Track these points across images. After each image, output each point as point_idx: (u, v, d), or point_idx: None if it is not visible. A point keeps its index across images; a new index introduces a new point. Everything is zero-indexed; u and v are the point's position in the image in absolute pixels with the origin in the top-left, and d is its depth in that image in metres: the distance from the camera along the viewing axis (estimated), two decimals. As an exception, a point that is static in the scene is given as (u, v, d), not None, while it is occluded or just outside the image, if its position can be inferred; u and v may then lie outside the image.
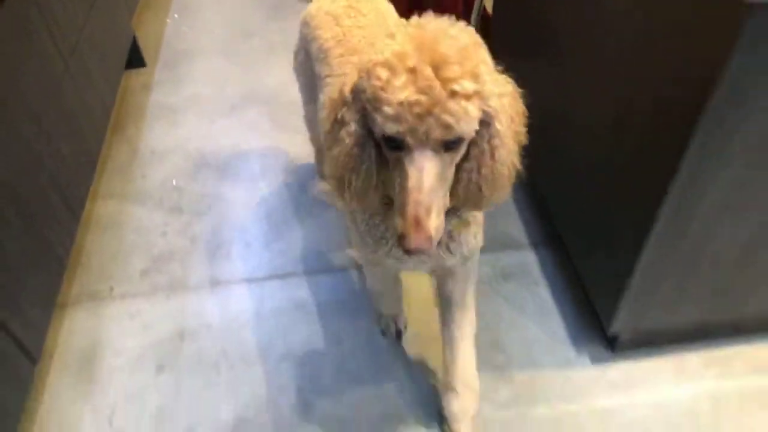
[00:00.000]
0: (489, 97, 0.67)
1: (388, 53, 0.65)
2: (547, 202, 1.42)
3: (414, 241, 0.67)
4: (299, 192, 1.61)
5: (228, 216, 1.56)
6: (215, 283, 1.40)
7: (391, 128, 0.65)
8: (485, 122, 0.68)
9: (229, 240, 1.50)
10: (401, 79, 0.63)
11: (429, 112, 0.63)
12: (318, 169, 1.62)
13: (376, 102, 0.65)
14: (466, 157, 0.72)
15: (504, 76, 0.72)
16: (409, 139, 0.65)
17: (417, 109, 0.63)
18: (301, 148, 1.72)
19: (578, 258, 1.27)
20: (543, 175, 1.39)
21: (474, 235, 0.91)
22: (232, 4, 2.43)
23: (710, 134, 0.82)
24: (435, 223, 0.67)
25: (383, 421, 1.14)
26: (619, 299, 1.06)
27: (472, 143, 0.71)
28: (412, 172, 0.67)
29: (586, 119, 1.15)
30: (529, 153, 0.78)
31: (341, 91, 0.73)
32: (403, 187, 0.67)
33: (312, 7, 1.14)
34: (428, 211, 0.67)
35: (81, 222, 1.44)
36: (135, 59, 2.06)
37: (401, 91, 0.63)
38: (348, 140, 0.72)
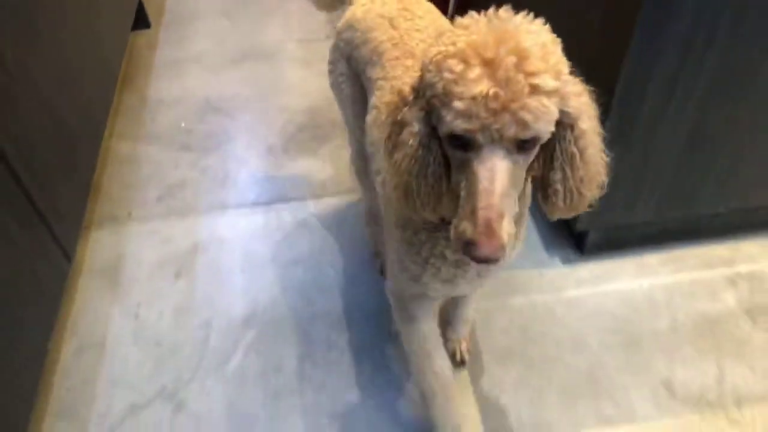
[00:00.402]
0: (569, 96, 0.63)
1: (462, 43, 0.60)
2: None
3: (486, 248, 0.61)
4: (297, 130, 1.75)
5: (234, 152, 1.70)
6: (225, 206, 1.54)
7: (461, 125, 0.60)
8: (566, 123, 0.65)
9: (235, 171, 1.64)
10: (476, 71, 0.58)
11: (505, 108, 0.58)
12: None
13: (446, 97, 0.60)
14: (551, 165, 0.68)
15: (579, 79, 0.68)
16: (480, 138, 0.60)
17: (493, 104, 0.58)
18: (297, 96, 1.86)
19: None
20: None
21: (522, 240, 0.87)
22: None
23: (645, 36, 0.97)
24: (508, 229, 0.62)
25: (378, 314, 1.29)
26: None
27: (556, 148, 0.67)
28: (483, 173, 0.62)
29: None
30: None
31: (400, 91, 0.69)
32: (473, 191, 0.62)
33: (357, 11, 1.07)
34: (501, 217, 0.61)
35: (99, 156, 1.58)
36: (141, 21, 2.19)
37: (476, 84, 0.58)
38: (412, 141, 0.67)
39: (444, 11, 1.99)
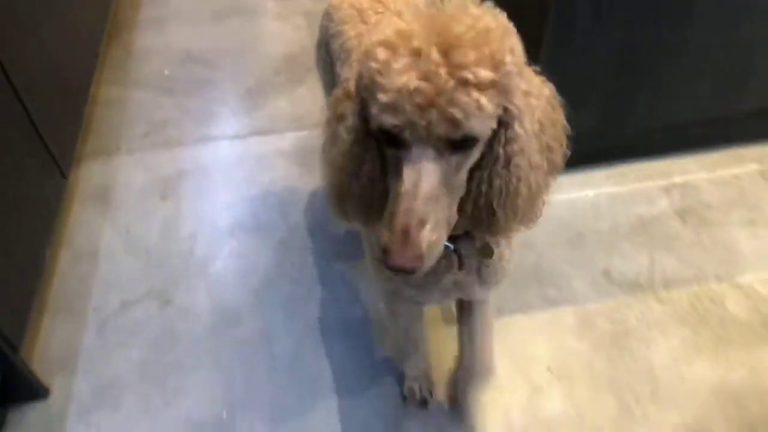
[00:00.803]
0: (512, 91, 0.56)
1: (390, 31, 0.54)
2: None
3: (398, 257, 0.55)
4: (274, 74, 1.87)
5: (214, 94, 1.81)
6: (206, 139, 1.66)
7: (387, 120, 0.54)
8: (505, 122, 0.57)
9: (216, 110, 1.75)
10: (402, 62, 0.52)
11: (432, 104, 0.52)
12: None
13: (372, 87, 0.55)
14: (478, 165, 0.60)
15: (541, 78, 0.62)
16: (408, 135, 0.54)
17: (418, 99, 0.52)
18: (273, 46, 1.98)
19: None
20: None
21: (507, 262, 0.81)
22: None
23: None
24: (429, 237, 0.55)
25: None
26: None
27: (488, 147, 0.59)
28: (408, 175, 0.56)
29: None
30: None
31: (345, 87, 0.63)
32: (396, 193, 0.56)
33: (334, 3, 1.02)
34: (421, 223, 0.55)
35: (90, 97, 1.69)
36: (124, -17, 2.30)
37: (400, 76, 0.52)
38: (346, 137, 0.62)
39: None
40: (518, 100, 0.57)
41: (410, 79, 0.52)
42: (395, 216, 0.56)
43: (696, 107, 1.42)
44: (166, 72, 1.90)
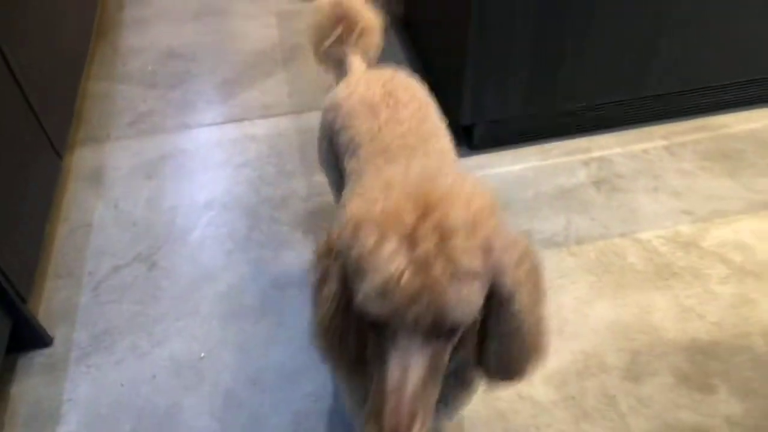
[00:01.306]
0: (504, 270, 0.56)
1: (379, 209, 0.53)
2: (417, 41, 1.93)
3: None
4: (247, 67, 2.08)
5: (194, 87, 2.02)
6: (187, 126, 1.87)
7: (373, 309, 0.52)
8: (500, 298, 0.58)
9: (195, 101, 1.96)
10: (391, 247, 0.50)
11: (422, 294, 0.50)
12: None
13: (358, 271, 0.53)
14: (486, 335, 0.61)
15: (516, 234, 0.60)
16: (394, 324, 0.53)
17: (408, 289, 0.50)
18: (248, 42, 2.19)
19: (440, 88, 1.77)
20: (414, 22, 1.91)
21: (473, 392, 0.79)
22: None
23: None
24: (419, 429, 0.54)
25: (314, 197, 1.63)
26: (462, 95, 1.57)
27: (490, 321, 0.60)
28: (394, 369, 0.54)
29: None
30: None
31: (330, 237, 0.60)
32: (381, 386, 0.54)
33: (342, 92, 1.01)
34: (411, 418, 0.53)
35: (80, 91, 1.88)
36: (110, -14, 2.49)
37: (388, 263, 0.50)
38: (330, 304, 0.60)
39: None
40: (510, 277, 0.57)
41: (400, 268, 0.50)
42: (383, 415, 0.53)
43: (608, 91, 1.65)
44: (150, 67, 2.10)
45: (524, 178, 1.65)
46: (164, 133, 1.84)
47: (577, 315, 1.36)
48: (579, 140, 1.74)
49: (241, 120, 1.88)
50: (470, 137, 1.72)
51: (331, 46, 1.15)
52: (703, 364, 1.25)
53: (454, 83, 1.62)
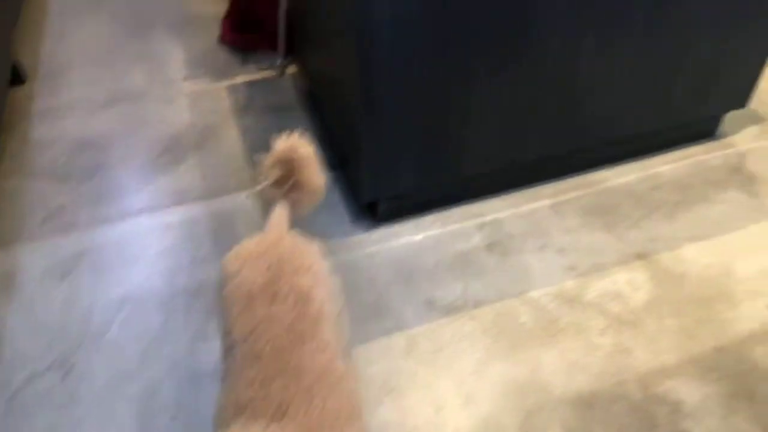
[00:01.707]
0: None
1: None
2: (321, 116, 2.05)
3: None
4: (162, 153, 2.14)
5: (105, 178, 2.06)
6: (100, 220, 1.90)
7: None
8: None
9: (108, 192, 2.00)
10: None
11: None
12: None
13: None
14: None
15: None
16: None
17: None
18: (161, 128, 2.25)
19: (343, 165, 1.89)
20: (318, 97, 2.03)
21: None
22: (98, 23, 2.91)
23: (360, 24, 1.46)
24: None
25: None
26: (360, 174, 1.69)
27: None
28: None
29: (331, 69, 1.79)
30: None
31: None
32: None
33: (230, 266, 1.01)
34: None
35: (-12, 193, 1.90)
36: (16, 78, 2.50)
37: None
38: None
39: (273, 47, 2.46)
40: None
41: None
42: None
43: (495, 158, 1.81)
44: (61, 160, 2.13)
45: (426, 247, 1.77)
46: (77, 229, 1.88)
47: (476, 378, 1.47)
48: (474, 205, 1.89)
49: (154, 209, 1.94)
50: (374, 211, 1.84)
51: (268, 188, 1.17)
52: (586, 415, 1.38)
53: (353, 162, 1.74)
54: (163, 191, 2.00)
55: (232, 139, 2.19)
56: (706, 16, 1.68)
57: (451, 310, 1.61)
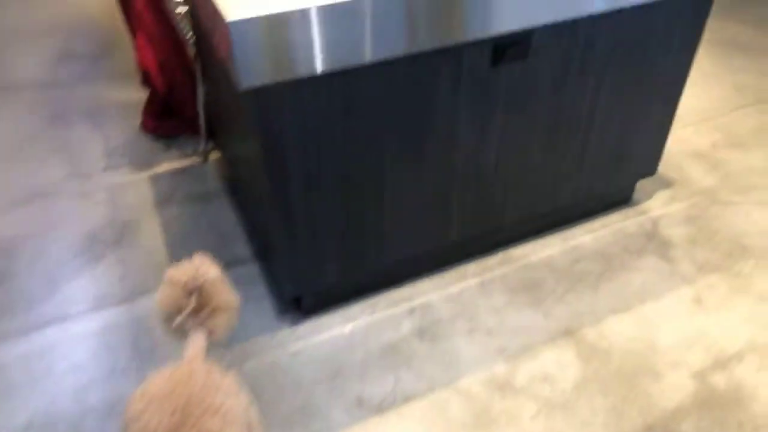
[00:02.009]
0: None
1: None
2: (243, 209, 2.02)
3: None
4: (76, 254, 2.05)
5: (13, 288, 1.94)
6: (4, 336, 1.78)
7: None
8: None
9: (15, 304, 1.88)
10: None
11: None
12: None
13: None
14: None
15: None
16: None
17: None
18: (77, 222, 2.16)
19: (265, 259, 1.85)
20: (240, 192, 2.00)
21: None
22: (13, 114, 2.82)
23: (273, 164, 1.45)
24: None
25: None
26: (282, 270, 1.65)
27: None
28: None
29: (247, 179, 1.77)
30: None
31: None
32: None
33: (135, 404, 0.98)
34: None
35: None
36: None
37: None
38: None
39: (195, 132, 2.44)
40: None
41: None
42: None
43: (417, 244, 1.81)
44: (-34, 269, 2.00)
45: (354, 340, 1.73)
46: (-21, 348, 1.75)
47: (410, 480, 1.42)
48: (402, 290, 1.87)
49: (66, 318, 1.83)
50: (299, 306, 1.79)
51: (183, 320, 1.11)
52: None
53: (273, 258, 1.70)
54: (76, 297, 1.90)
55: (153, 233, 2.12)
56: (609, 96, 1.77)
57: (382, 407, 1.56)
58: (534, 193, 1.88)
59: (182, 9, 2.03)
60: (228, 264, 1.98)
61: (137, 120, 2.67)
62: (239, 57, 1.22)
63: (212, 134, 2.40)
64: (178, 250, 2.04)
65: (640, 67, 1.75)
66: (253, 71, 1.25)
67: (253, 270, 1.96)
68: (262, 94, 1.31)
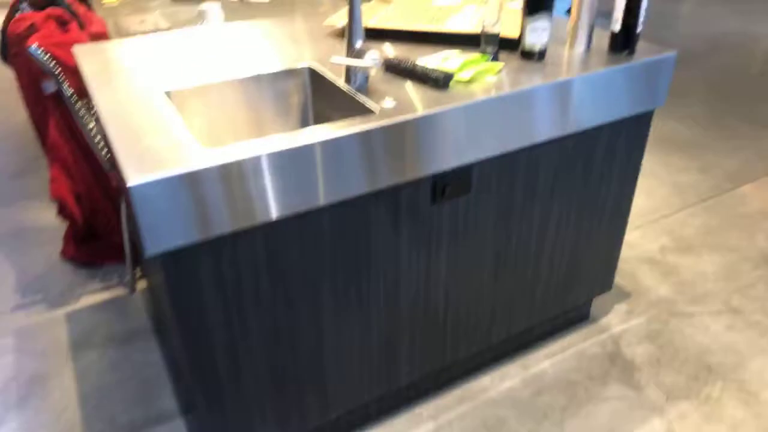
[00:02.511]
0: None
1: None
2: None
3: None
4: None
5: None
6: None
7: None
8: None
9: None
10: None
11: None
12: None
13: None
14: None
15: None
16: None
17: None
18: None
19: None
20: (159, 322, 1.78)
21: None
22: None
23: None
24: None
25: None
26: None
27: None
28: None
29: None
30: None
31: None
32: None
33: None
34: None
35: None
36: None
37: None
38: None
39: (121, 259, 2.23)
40: None
41: None
42: None
43: (361, 394, 1.62)
44: None
45: None
46: None
47: None
48: (351, 442, 1.67)
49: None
50: (232, 472, 1.56)
51: None
52: None
53: (199, 421, 1.48)
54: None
55: (65, 387, 1.85)
56: (557, 220, 1.69)
57: None
58: (487, 323, 1.75)
59: (98, 137, 1.89)
60: (151, 421, 1.73)
61: (58, 246, 2.45)
62: (145, 223, 1.07)
63: (140, 261, 2.20)
64: (93, 410, 1.78)
65: (586, 189, 1.70)
66: (160, 237, 1.10)
67: (180, 428, 1.72)
68: (172, 256, 1.15)
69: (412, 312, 1.57)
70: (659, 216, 2.63)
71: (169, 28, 2.36)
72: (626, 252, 2.40)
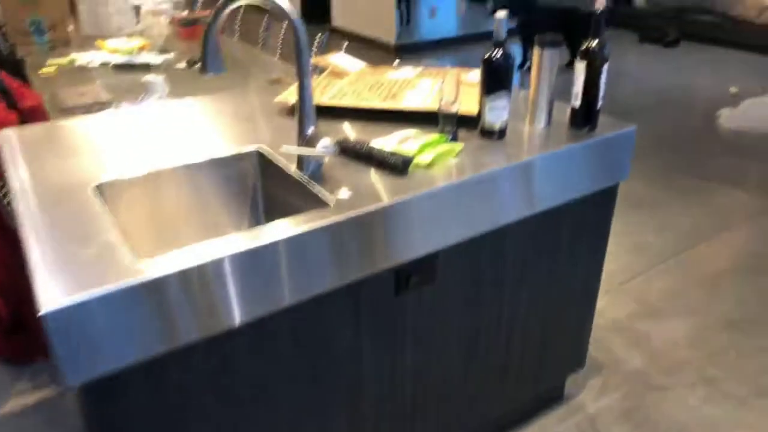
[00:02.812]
0: None
1: None
2: None
3: None
4: None
5: None
6: None
7: None
8: None
9: None
10: None
11: None
12: None
13: None
14: None
15: None
16: None
17: None
18: None
19: None
20: None
21: None
22: None
23: None
24: None
25: None
26: None
27: None
28: None
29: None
30: None
31: None
32: None
33: None
34: None
35: None
36: None
37: None
38: None
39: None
40: None
41: None
42: None
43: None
44: None
45: None
46: None
47: None
48: None
49: None
50: None
51: None
52: None
53: None
54: None
55: None
56: (527, 301, 1.61)
57: None
58: (458, 413, 1.63)
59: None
60: None
61: (-20, 337, 2.20)
62: (61, 353, 0.91)
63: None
64: None
65: (554, 268, 1.62)
66: (81, 365, 0.94)
67: None
68: (97, 385, 0.99)
69: (376, 408, 1.43)
70: (624, 279, 2.59)
71: (110, 101, 2.23)
72: (596, 320, 2.31)
